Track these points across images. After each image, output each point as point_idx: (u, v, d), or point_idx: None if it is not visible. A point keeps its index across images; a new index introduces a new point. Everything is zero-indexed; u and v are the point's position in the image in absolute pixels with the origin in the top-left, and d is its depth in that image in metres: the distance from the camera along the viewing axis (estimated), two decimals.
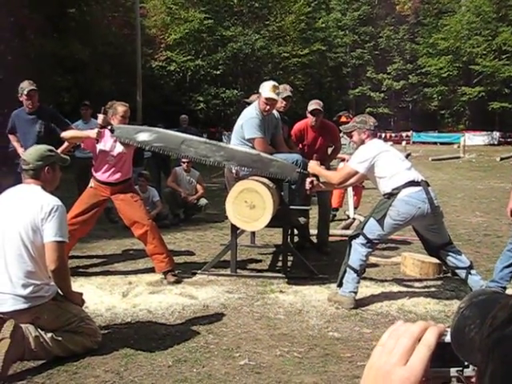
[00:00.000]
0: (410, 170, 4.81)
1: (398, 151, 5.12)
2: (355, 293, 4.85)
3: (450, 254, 4.93)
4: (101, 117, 5.42)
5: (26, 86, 6.41)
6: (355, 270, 4.79)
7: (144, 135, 5.56)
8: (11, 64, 18.74)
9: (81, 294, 3.95)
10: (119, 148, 5.51)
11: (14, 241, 3.53)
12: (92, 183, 5.59)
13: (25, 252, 3.53)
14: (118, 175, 5.54)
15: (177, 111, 18.53)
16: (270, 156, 5.59)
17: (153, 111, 24.53)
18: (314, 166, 5.32)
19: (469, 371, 0.68)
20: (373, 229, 4.78)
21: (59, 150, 6.22)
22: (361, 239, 4.80)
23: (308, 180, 5.29)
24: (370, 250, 4.85)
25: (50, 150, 3.87)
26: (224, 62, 34.82)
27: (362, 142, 5.00)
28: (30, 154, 3.80)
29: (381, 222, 4.73)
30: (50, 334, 3.63)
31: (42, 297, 3.58)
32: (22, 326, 3.52)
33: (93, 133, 5.37)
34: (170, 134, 5.72)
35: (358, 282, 4.87)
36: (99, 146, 5.46)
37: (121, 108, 5.54)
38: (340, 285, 4.91)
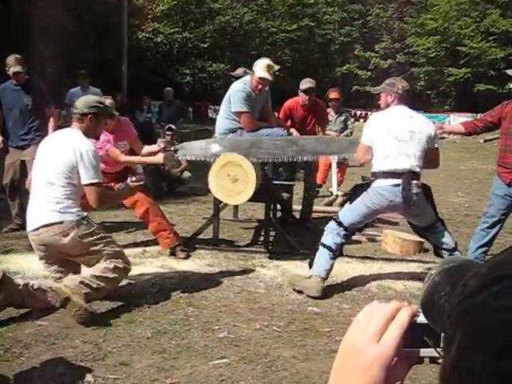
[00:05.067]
0: (398, 157, 4.44)
1: (404, 127, 4.52)
2: (326, 273, 4.54)
3: (435, 235, 4.78)
4: (162, 141, 5.51)
5: (12, 63, 6.07)
6: (329, 248, 4.54)
7: (212, 148, 5.54)
8: None
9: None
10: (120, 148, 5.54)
11: (48, 172, 3.97)
12: None
13: (57, 180, 3.93)
14: (115, 168, 5.59)
15: (162, 83, 18.36)
16: (337, 137, 5.64)
17: (138, 83, 24.22)
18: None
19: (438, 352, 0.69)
20: (347, 214, 4.61)
21: (50, 131, 6.16)
22: (334, 223, 4.61)
23: None
24: (344, 232, 4.58)
25: (99, 102, 4.29)
26: (211, 35, 34.43)
27: (388, 106, 4.67)
28: (81, 101, 4.26)
29: (353, 205, 4.56)
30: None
31: (72, 213, 3.93)
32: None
33: (158, 158, 5.36)
34: (238, 140, 5.63)
35: (331, 262, 4.57)
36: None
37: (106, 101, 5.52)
38: (311, 265, 4.68)
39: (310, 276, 4.59)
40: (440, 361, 0.68)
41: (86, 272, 4.06)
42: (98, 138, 4.55)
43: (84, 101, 4.24)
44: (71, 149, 3.96)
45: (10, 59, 6.10)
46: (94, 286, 3.92)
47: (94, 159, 4.00)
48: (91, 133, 4.24)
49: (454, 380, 0.53)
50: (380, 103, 4.80)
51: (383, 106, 4.73)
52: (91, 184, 3.99)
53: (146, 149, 5.64)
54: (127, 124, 5.86)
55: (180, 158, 5.80)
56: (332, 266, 4.60)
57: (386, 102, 4.69)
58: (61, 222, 3.89)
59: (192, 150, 5.62)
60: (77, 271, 4.17)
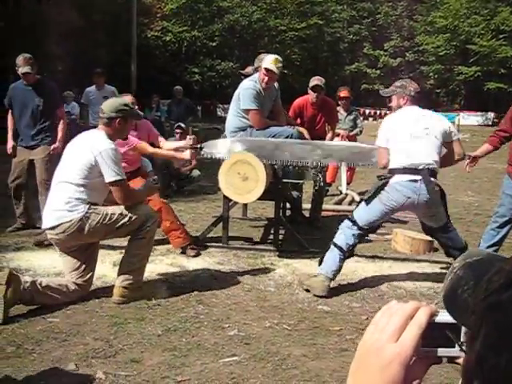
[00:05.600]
0: (415, 153, 4.42)
1: (419, 125, 4.52)
2: (333, 274, 4.49)
3: (447, 235, 4.78)
4: (191, 138, 5.45)
5: (21, 64, 5.96)
6: (339, 248, 4.48)
7: (235, 147, 5.53)
8: (4, 31, 18.44)
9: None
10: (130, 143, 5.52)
11: (65, 172, 4.10)
12: None
13: (72, 179, 4.02)
14: (131, 168, 5.56)
15: (171, 82, 18.42)
16: (369, 145, 5.59)
17: (147, 82, 24.29)
18: None
19: (454, 351, 0.69)
20: (361, 213, 4.52)
21: (58, 138, 6.16)
22: (349, 222, 4.55)
23: None
24: (358, 232, 4.51)
25: (126, 105, 4.31)
26: (220, 33, 34.51)
27: (400, 108, 4.65)
28: (107, 104, 4.27)
29: (369, 204, 4.47)
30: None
31: (78, 210, 4.00)
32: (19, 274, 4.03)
33: (186, 155, 5.44)
34: (262, 140, 5.60)
35: (340, 263, 4.51)
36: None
37: (127, 98, 5.51)
38: (321, 263, 4.62)
39: (317, 275, 4.57)
40: (458, 361, 0.68)
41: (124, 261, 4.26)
42: (125, 139, 4.69)
43: (111, 105, 4.25)
44: (89, 149, 4.03)
45: (19, 59, 6.00)
46: (136, 268, 4.23)
47: (114, 157, 4.04)
48: (119, 135, 4.32)
49: (477, 376, 0.54)
50: (391, 105, 4.80)
51: (395, 109, 4.73)
52: (115, 182, 4.05)
53: (171, 144, 5.73)
54: (146, 125, 5.88)
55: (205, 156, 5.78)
56: (340, 267, 4.54)
57: (398, 105, 4.69)
58: (70, 221, 3.98)
59: (218, 148, 5.63)
60: (93, 263, 4.30)
